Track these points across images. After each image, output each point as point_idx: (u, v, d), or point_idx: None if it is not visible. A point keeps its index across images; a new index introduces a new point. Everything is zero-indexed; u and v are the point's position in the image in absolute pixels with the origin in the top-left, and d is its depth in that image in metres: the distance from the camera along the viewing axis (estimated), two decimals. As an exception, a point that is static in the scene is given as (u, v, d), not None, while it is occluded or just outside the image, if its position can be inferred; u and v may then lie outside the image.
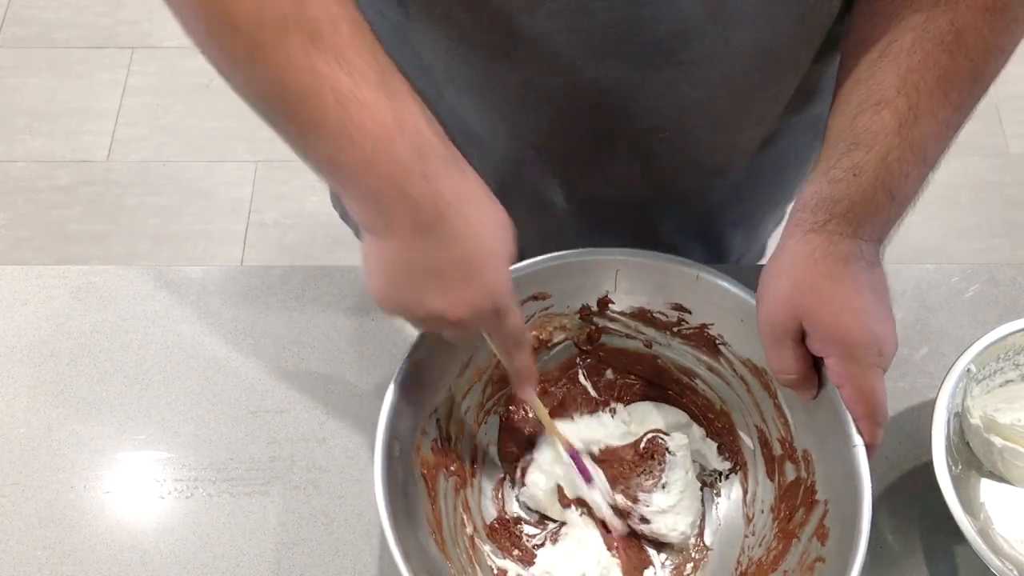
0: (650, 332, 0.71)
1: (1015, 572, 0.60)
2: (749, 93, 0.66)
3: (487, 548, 0.68)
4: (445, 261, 0.53)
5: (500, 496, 0.72)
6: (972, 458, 0.70)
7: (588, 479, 0.68)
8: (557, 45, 0.60)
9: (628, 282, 0.68)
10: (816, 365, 0.61)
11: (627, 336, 0.72)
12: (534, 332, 0.71)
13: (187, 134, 1.89)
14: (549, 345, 0.72)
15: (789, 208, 0.91)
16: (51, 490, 0.72)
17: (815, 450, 0.63)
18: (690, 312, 0.68)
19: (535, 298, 0.68)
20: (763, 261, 1.03)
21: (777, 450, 0.67)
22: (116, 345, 0.78)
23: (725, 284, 0.65)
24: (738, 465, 0.71)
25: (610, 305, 0.70)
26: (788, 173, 0.84)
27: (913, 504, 0.71)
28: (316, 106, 0.49)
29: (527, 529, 0.70)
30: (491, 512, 0.71)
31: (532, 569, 0.67)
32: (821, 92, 0.72)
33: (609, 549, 0.68)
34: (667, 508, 0.67)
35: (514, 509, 0.71)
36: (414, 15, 0.62)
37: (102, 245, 1.77)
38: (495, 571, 0.67)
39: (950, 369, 0.66)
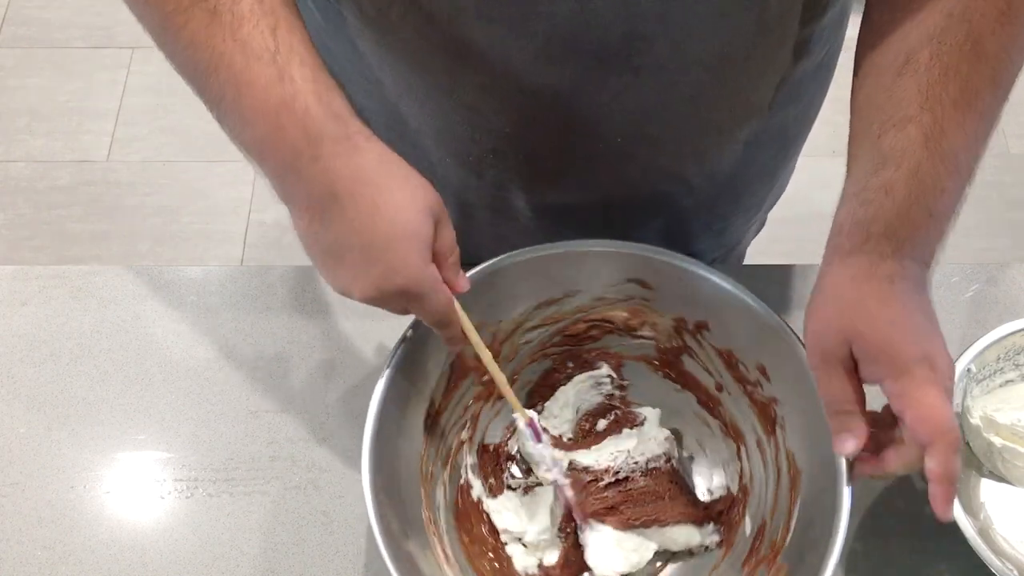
0: (727, 378, 0.69)
1: (1015, 572, 0.60)
2: (706, 99, 0.66)
3: (470, 460, 0.70)
4: (344, 243, 0.53)
5: (511, 429, 0.72)
6: (972, 458, 0.70)
7: (537, 439, 0.66)
8: (510, 49, 0.60)
9: (730, 319, 0.66)
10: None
11: (705, 369, 0.70)
12: (625, 314, 0.70)
13: (187, 134, 1.89)
14: (636, 329, 0.71)
15: (760, 215, 0.91)
16: (51, 490, 0.72)
17: (791, 567, 0.61)
18: (770, 381, 0.66)
19: (638, 282, 0.67)
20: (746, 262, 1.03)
21: (764, 551, 0.65)
22: (116, 345, 0.78)
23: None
24: (724, 543, 0.69)
25: (704, 332, 0.68)
26: (755, 182, 0.83)
27: (913, 504, 0.71)
28: (215, 84, 0.51)
29: (514, 469, 0.71)
30: (495, 437, 0.72)
31: (490, 502, 0.69)
32: (785, 103, 0.71)
33: (561, 531, 0.69)
34: (598, 550, 0.67)
35: (515, 450, 0.72)
36: (368, 23, 0.62)
37: (102, 245, 1.77)
38: (461, 480, 0.69)
39: (950, 369, 0.66)
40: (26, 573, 0.68)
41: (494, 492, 0.70)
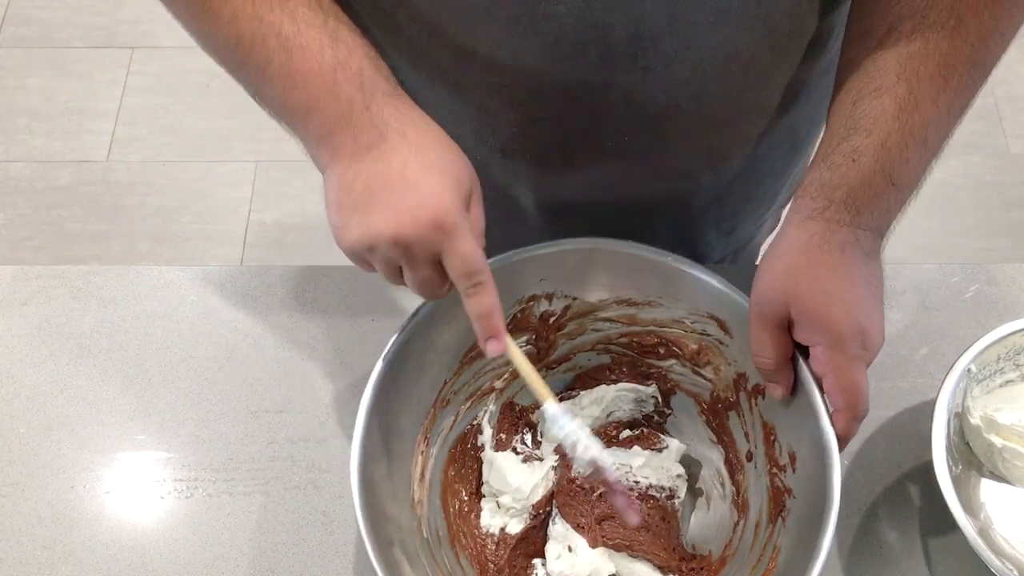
0: (760, 451, 0.67)
1: (1015, 572, 0.60)
2: (714, 98, 0.66)
3: (492, 408, 0.72)
4: (385, 175, 0.54)
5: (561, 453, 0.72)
6: (972, 458, 0.70)
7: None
8: (517, 48, 0.60)
9: (787, 398, 0.63)
10: (795, 368, 0.61)
11: (745, 434, 0.69)
12: (695, 347, 0.69)
13: (187, 134, 1.89)
14: (700, 365, 0.70)
15: (768, 214, 0.91)
16: (51, 490, 0.72)
17: None
18: (795, 472, 0.64)
19: (718, 322, 0.66)
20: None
21: None
22: (116, 345, 0.78)
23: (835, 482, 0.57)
24: None
25: (759, 398, 0.67)
26: (765, 181, 0.83)
27: (913, 504, 0.71)
28: (262, 52, 0.53)
29: (527, 437, 0.72)
30: (525, 400, 0.72)
31: (489, 452, 0.70)
32: (795, 101, 0.71)
33: (535, 510, 0.69)
34: (559, 548, 0.67)
35: (536, 418, 0.73)
36: (377, 22, 0.62)
37: (102, 245, 1.77)
38: (475, 421, 0.71)
39: (950, 369, 0.66)
40: (26, 573, 0.68)
41: (498, 448, 0.71)
